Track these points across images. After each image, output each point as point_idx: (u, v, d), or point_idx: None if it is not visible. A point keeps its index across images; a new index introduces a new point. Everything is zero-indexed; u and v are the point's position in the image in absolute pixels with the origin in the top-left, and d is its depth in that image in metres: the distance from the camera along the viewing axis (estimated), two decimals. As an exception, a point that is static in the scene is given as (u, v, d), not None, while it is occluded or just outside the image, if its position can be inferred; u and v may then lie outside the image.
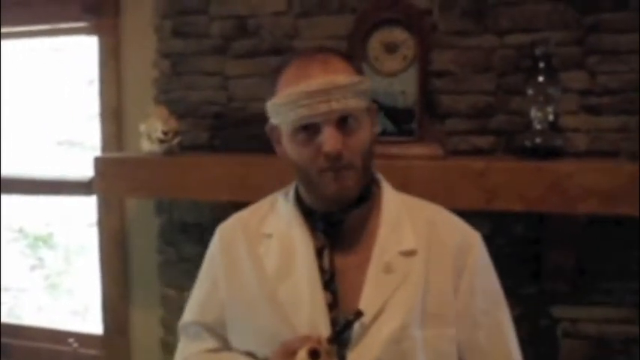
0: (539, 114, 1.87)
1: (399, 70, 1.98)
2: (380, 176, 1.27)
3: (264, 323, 1.18)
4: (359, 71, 1.19)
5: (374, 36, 1.99)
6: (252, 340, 1.21)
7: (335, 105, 1.10)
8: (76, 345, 2.60)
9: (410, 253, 1.18)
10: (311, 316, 1.14)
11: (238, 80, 2.24)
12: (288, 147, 1.17)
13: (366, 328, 1.13)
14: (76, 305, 3.07)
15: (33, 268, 3.18)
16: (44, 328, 2.84)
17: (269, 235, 1.24)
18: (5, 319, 2.96)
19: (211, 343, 1.28)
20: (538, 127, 1.88)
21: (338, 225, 1.19)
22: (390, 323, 1.13)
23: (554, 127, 1.89)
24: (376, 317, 1.14)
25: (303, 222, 1.21)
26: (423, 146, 1.94)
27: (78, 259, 3.09)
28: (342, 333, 1.10)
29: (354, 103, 1.12)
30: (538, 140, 1.87)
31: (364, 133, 1.15)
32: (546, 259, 1.98)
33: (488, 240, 1.98)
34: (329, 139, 1.10)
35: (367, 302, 1.14)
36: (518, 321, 2.00)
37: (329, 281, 1.16)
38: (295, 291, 1.17)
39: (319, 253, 1.18)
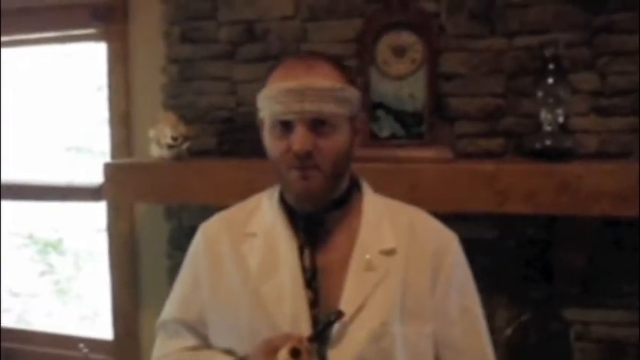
0: (548, 116, 1.86)
1: (408, 74, 1.98)
2: (362, 180, 1.31)
3: (246, 320, 1.20)
4: (349, 81, 1.21)
5: (382, 39, 2.00)
6: (234, 337, 1.23)
7: (308, 106, 1.13)
8: (86, 350, 2.60)
9: (390, 252, 1.22)
10: (293, 314, 1.17)
11: (247, 85, 2.24)
12: (266, 139, 1.22)
13: (346, 326, 1.16)
14: (86, 311, 3.07)
15: (42, 273, 3.18)
16: (54, 333, 2.85)
17: (253, 234, 1.27)
18: (15, 325, 2.97)
19: (191, 340, 1.31)
20: (548, 129, 1.87)
21: (319, 225, 1.22)
22: (370, 320, 1.17)
23: (564, 129, 1.89)
24: (357, 314, 1.16)
25: (286, 222, 1.24)
26: (432, 149, 1.94)
27: (87, 264, 3.09)
28: (322, 332, 1.13)
29: (329, 108, 1.15)
30: (548, 142, 1.86)
31: (339, 140, 1.17)
32: (557, 262, 1.97)
33: (499, 243, 2.00)
34: (298, 138, 1.14)
35: (348, 299, 1.17)
36: (530, 324, 2.01)
37: (311, 279, 1.19)
38: (278, 289, 1.19)
39: (302, 252, 1.21)
